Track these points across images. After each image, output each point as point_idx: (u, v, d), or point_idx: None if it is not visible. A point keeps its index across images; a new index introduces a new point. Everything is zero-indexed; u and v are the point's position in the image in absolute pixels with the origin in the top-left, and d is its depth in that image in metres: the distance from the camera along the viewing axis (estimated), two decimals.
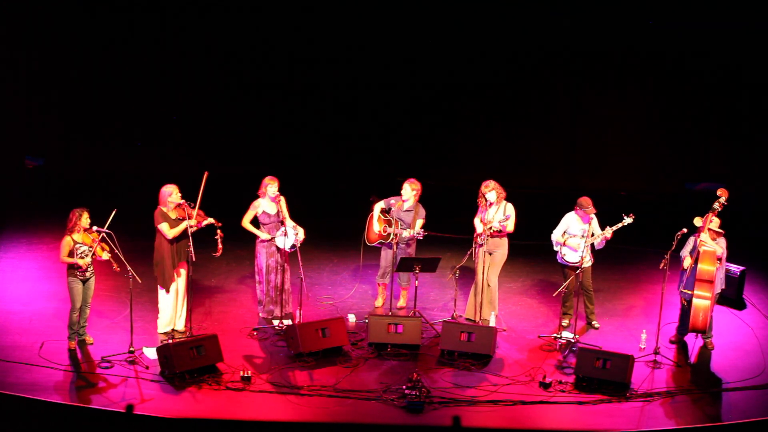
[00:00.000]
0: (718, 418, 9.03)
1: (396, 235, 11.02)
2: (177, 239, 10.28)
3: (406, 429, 8.74)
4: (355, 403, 9.00)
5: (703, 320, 10.00)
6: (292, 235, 10.67)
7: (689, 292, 10.13)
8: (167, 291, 10.40)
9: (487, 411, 8.90)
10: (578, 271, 10.65)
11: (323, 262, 13.38)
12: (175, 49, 17.94)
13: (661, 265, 10.03)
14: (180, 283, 10.50)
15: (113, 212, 9.72)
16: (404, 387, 9.09)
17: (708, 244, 10.14)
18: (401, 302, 11.57)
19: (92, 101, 18.05)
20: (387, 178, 15.63)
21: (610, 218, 10.57)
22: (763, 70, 17.02)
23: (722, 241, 10.32)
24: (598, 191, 13.76)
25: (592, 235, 10.61)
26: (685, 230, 10.13)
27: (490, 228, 10.69)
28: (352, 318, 11.13)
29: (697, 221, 10.38)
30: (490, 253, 10.82)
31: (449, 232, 13.63)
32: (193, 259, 10.25)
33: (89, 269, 9.89)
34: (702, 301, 10.00)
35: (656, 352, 10.05)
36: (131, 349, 9.70)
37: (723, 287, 10.59)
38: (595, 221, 10.71)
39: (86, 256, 9.78)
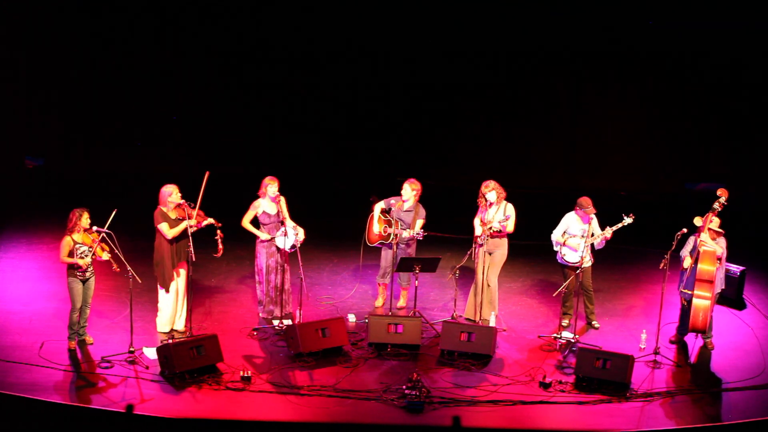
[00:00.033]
0: (718, 418, 9.03)
1: (396, 235, 11.02)
2: (177, 239, 10.28)
3: (406, 429, 8.74)
4: (355, 403, 9.00)
5: (703, 320, 10.00)
6: (292, 235, 10.67)
7: (689, 292, 10.13)
8: (167, 291, 10.41)
9: (487, 411, 8.90)
10: (578, 271, 10.65)
11: (323, 262, 13.38)
12: (175, 49, 17.93)
13: (661, 265, 10.03)
14: (180, 283, 10.50)
15: (113, 212, 9.72)
16: (404, 387, 9.09)
17: (708, 244, 10.15)
18: (401, 302, 11.57)
19: (92, 101, 18.04)
20: (387, 178, 15.63)
21: (610, 218, 10.57)
22: (763, 70, 17.01)
23: (722, 241, 10.32)
24: (598, 191, 13.77)
25: (592, 235, 10.61)
26: (685, 230, 10.13)
27: (490, 228, 10.69)
28: (352, 318, 11.13)
29: (697, 221, 10.38)
30: (490, 253, 10.83)
31: (449, 232, 13.63)
32: (193, 259, 10.26)
33: (89, 269, 9.89)
34: (702, 301, 10.00)
35: (656, 352, 10.06)
36: (131, 349, 9.70)
37: (723, 287, 10.59)
38: (595, 221, 10.71)
39: (86, 256, 9.78)
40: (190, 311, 10.49)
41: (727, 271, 11.41)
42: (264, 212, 10.78)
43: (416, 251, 11.37)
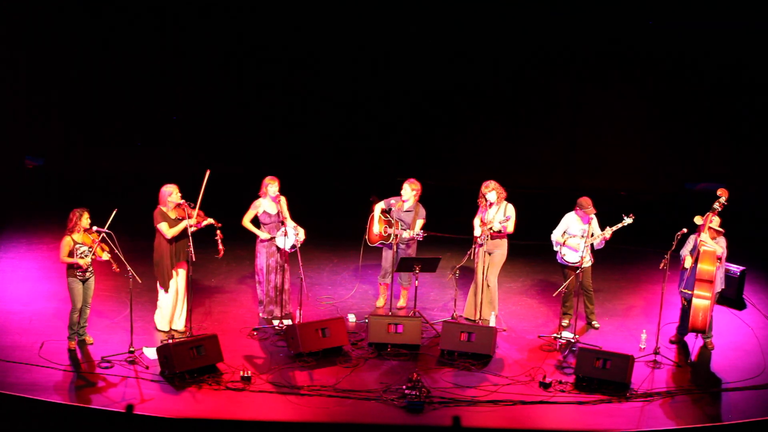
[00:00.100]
0: (718, 418, 9.03)
1: (396, 235, 11.02)
2: (176, 239, 10.28)
3: (406, 429, 8.74)
4: (355, 403, 9.00)
5: (703, 320, 10.00)
6: (292, 235, 10.67)
7: (689, 292, 10.13)
8: (166, 291, 10.41)
9: (487, 411, 8.90)
10: (578, 271, 10.65)
11: (323, 262, 13.38)
12: (175, 49, 17.94)
13: (661, 265, 10.03)
14: (180, 282, 10.50)
15: (113, 212, 9.73)
16: (404, 387, 9.09)
17: (708, 244, 10.14)
18: (401, 302, 11.57)
19: (92, 101, 18.05)
20: (387, 178, 15.62)
21: (610, 218, 10.57)
22: (763, 70, 17.02)
23: (722, 241, 10.32)
24: (598, 191, 13.76)
25: (592, 235, 10.61)
26: (685, 230, 10.14)
27: (490, 228, 10.69)
28: (352, 318, 11.13)
29: (698, 220, 10.38)
30: (490, 253, 10.82)
31: (449, 232, 13.63)
32: (193, 259, 10.26)
33: (89, 269, 9.89)
34: (702, 301, 10.00)
35: (656, 352, 10.06)
36: (131, 349, 9.70)
37: (723, 287, 10.59)
38: (594, 221, 10.71)
39: (86, 256, 9.78)
40: (190, 311, 10.49)
41: (727, 271, 11.41)
42: (264, 212, 10.78)
43: (416, 251, 11.37)
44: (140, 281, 10.07)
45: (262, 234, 10.77)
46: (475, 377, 9.64)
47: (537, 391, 9.31)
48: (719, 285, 10.38)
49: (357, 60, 17.99)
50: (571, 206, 10.82)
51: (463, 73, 17.93)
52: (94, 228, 9.77)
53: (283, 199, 10.77)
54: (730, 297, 11.73)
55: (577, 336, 10.49)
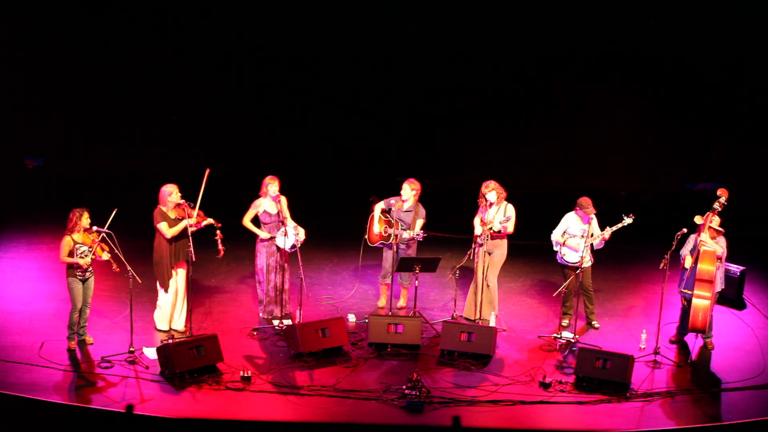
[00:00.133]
0: (718, 418, 9.03)
1: (396, 236, 11.02)
2: (176, 239, 10.28)
3: (406, 429, 8.74)
4: (355, 403, 9.00)
5: (703, 320, 10.00)
6: (292, 235, 10.67)
7: (689, 292, 10.13)
8: (166, 291, 10.41)
9: (487, 411, 8.90)
10: (578, 271, 10.65)
11: (323, 262, 13.38)
12: (175, 49, 17.94)
13: (661, 265, 10.03)
14: (179, 282, 10.50)
15: (113, 212, 9.73)
16: (404, 387, 9.09)
17: (708, 244, 10.14)
18: (401, 302, 11.57)
19: (92, 101, 18.05)
20: (387, 178, 15.62)
21: (610, 218, 10.57)
22: (763, 70, 17.02)
23: (722, 240, 10.33)
24: (598, 191, 13.76)
25: (592, 235, 10.61)
26: (685, 230, 10.14)
27: (491, 229, 10.69)
28: (352, 318, 11.13)
29: (698, 219, 10.38)
30: (489, 253, 10.82)
31: (449, 232, 13.63)
32: (193, 259, 10.26)
33: (89, 269, 9.89)
34: (702, 300, 10.00)
35: (656, 352, 10.06)
36: (131, 349, 9.70)
37: (723, 287, 10.59)
38: (594, 222, 10.71)
39: (86, 256, 9.78)
40: (190, 311, 10.49)
41: (727, 271, 11.42)
42: (265, 211, 10.78)
43: (416, 251, 11.37)
44: (140, 281, 10.07)
45: (262, 233, 10.77)
46: (475, 377, 9.64)
47: (537, 391, 9.31)
48: (719, 285, 10.38)
49: (357, 60, 17.98)
50: (571, 206, 10.82)
51: (463, 73, 17.93)
52: (94, 228, 9.77)
53: (283, 199, 10.78)
54: (730, 297, 11.73)
55: (577, 336, 10.49)
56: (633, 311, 11.71)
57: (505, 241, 10.90)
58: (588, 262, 10.66)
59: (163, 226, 10.20)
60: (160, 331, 10.49)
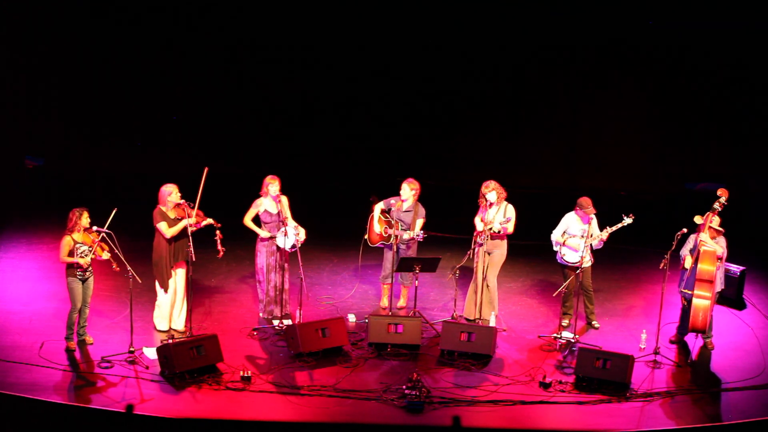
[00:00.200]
0: (718, 418, 9.03)
1: (396, 236, 11.02)
2: (176, 239, 10.28)
3: (406, 429, 8.74)
4: (355, 403, 9.00)
5: (703, 320, 10.00)
6: (292, 235, 10.67)
7: (689, 292, 10.13)
8: (165, 290, 10.41)
9: (487, 411, 8.90)
10: (578, 271, 10.65)
11: (323, 262, 13.38)
12: (174, 49, 17.92)
13: (661, 265, 10.03)
14: (179, 282, 10.50)
15: (113, 212, 9.73)
16: (404, 387, 9.09)
17: (708, 244, 10.14)
18: (401, 302, 11.57)
19: (92, 101, 18.04)
20: (387, 178, 15.61)
21: (610, 218, 10.57)
22: (763, 70, 17.01)
23: (722, 240, 10.32)
24: (598, 191, 13.75)
25: (591, 235, 10.61)
26: (685, 230, 10.14)
27: (491, 229, 10.69)
28: (352, 318, 11.13)
29: (698, 219, 10.38)
30: (489, 253, 10.82)
31: (449, 232, 13.63)
32: (193, 259, 10.26)
33: (89, 269, 9.89)
34: (702, 300, 9.99)
35: (656, 352, 10.06)
36: (131, 349, 9.70)
37: (723, 287, 10.59)
38: (594, 222, 10.70)
39: (86, 255, 9.78)
40: (190, 311, 10.49)
41: (727, 271, 11.42)
42: (265, 211, 10.78)
43: (416, 251, 11.36)
44: (140, 281, 10.08)
45: (263, 233, 10.77)
46: (475, 377, 9.64)
47: (537, 391, 9.31)
48: (719, 285, 10.38)
49: (357, 60, 17.97)
50: (571, 206, 10.82)
51: (463, 73, 17.92)
52: (94, 228, 9.77)
53: (284, 199, 10.77)
54: (730, 297, 11.73)
55: (577, 336, 10.49)
56: (633, 311, 11.71)
57: (504, 241, 10.90)
58: (588, 262, 10.67)
59: (162, 226, 10.20)
60: (160, 331, 10.49)
